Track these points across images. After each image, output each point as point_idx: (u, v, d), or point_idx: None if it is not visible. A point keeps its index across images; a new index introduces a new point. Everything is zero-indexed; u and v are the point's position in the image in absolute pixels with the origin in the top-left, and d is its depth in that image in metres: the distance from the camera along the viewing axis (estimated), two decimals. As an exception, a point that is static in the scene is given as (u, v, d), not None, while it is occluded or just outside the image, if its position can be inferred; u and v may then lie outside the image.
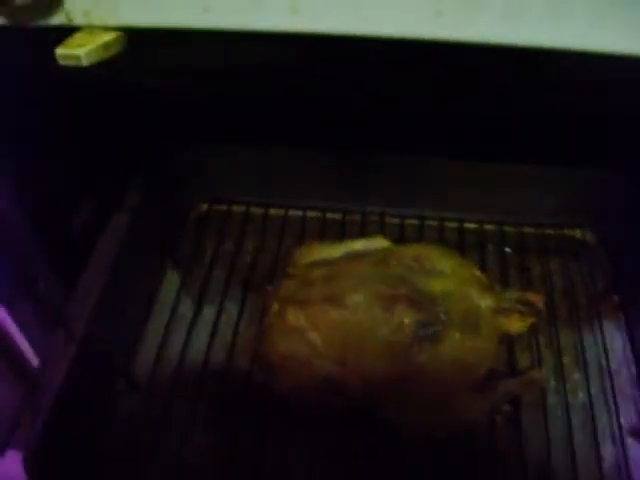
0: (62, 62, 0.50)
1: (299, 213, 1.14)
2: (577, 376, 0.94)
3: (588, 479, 0.83)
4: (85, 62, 0.50)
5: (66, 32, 0.52)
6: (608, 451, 0.86)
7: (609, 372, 0.93)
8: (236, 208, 1.15)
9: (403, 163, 1.05)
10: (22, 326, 0.84)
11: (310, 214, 1.14)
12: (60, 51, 0.50)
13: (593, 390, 0.92)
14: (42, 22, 0.52)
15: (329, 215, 1.13)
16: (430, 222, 1.12)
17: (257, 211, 1.14)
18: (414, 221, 1.12)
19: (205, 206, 1.16)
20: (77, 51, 0.49)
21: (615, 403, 0.90)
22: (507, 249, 1.10)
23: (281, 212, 1.14)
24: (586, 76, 0.67)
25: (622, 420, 0.89)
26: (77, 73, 0.52)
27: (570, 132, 0.94)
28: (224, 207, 1.15)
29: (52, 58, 0.51)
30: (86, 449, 0.85)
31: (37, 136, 0.83)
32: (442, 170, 1.07)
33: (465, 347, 0.81)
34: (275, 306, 0.86)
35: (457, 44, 0.49)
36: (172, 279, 1.06)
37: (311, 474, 0.84)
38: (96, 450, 0.85)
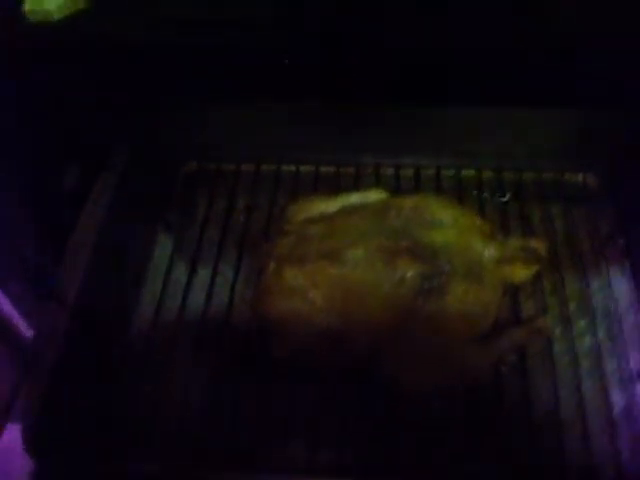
0: (32, 18, 0.47)
1: (292, 168, 1.11)
2: (583, 322, 0.92)
3: (598, 425, 0.82)
4: (56, 16, 0.47)
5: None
6: (617, 396, 0.86)
7: (616, 317, 0.92)
8: (226, 166, 1.12)
9: (397, 112, 1.02)
10: (14, 298, 0.83)
11: (303, 168, 1.10)
12: (29, 7, 0.46)
13: (600, 336, 0.90)
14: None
15: (322, 169, 1.10)
16: (426, 171, 1.09)
17: (248, 168, 1.11)
18: (410, 170, 1.09)
19: (194, 164, 1.13)
20: (47, 6, 0.46)
21: (623, 348, 0.89)
22: (506, 197, 1.07)
23: (273, 167, 1.11)
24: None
25: (631, 364, 0.88)
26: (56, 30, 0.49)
27: (566, 72, 0.91)
28: (213, 165, 1.12)
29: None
30: (84, 418, 0.83)
31: (19, 103, 0.80)
32: (438, 117, 1.03)
33: (469, 298, 0.80)
34: (272, 265, 0.84)
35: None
36: (164, 242, 1.03)
37: (314, 428, 0.83)
38: (95, 419, 0.83)
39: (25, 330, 0.85)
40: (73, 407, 0.82)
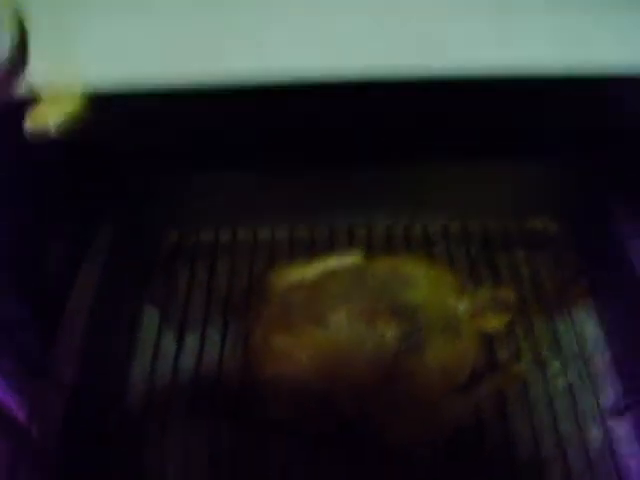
0: (32, 133, 0.51)
1: (267, 234, 1.15)
2: (556, 364, 0.97)
3: (577, 463, 0.87)
4: (55, 131, 0.51)
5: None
6: (593, 434, 0.90)
7: (585, 357, 0.97)
8: (204, 235, 1.16)
9: (367, 173, 1.07)
10: (6, 379, 0.85)
11: (278, 233, 1.15)
12: (30, 124, 0.51)
13: (572, 376, 0.95)
14: (6, 93, 0.52)
15: (297, 233, 1.15)
16: (396, 230, 1.14)
17: (225, 236, 1.15)
18: (381, 230, 1.14)
19: (175, 236, 1.17)
20: (46, 123, 0.51)
21: (594, 387, 0.94)
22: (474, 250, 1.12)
23: (249, 235, 1.15)
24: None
25: (602, 401, 0.92)
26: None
27: (527, 127, 0.98)
28: (192, 237, 1.16)
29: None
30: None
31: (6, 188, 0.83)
32: (404, 175, 1.08)
33: (448, 351, 0.84)
34: (259, 332, 0.88)
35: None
36: (151, 313, 1.06)
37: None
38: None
39: (17, 408, 0.86)
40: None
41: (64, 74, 0.52)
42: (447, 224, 1.15)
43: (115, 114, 0.60)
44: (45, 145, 0.80)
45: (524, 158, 1.06)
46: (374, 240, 1.13)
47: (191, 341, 1.01)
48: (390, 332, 0.83)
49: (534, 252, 1.12)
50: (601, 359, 0.98)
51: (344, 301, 0.86)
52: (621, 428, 0.91)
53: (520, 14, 0.48)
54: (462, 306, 0.88)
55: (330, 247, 1.09)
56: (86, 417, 0.88)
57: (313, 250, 1.09)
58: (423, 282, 0.90)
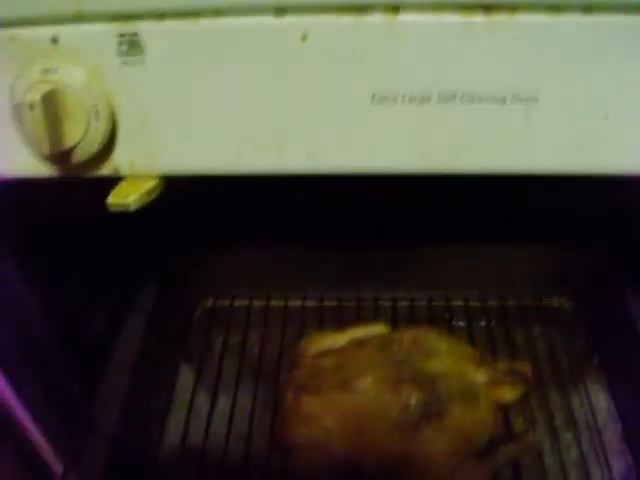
0: (112, 209, 0.59)
1: (298, 303, 1.22)
2: (569, 435, 1.02)
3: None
4: (133, 208, 0.59)
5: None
6: (604, 504, 0.94)
7: (597, 429, 1.02)
8: (238, 302, 1.23)
9: (392, 251, 1.15)
10: (47, 432, 0.90)
11: (308, 303, 1.22)
12: (111, 200, 0.58)
13: (584, 447, 0.99)
14: (92, 174, 0.61)
15: (326, 303, 1.21)
16: (419, 303, 1.21)
17: (259, 303, 1.23)
18: (405, 303, 1.21)
19: (210, 302, 1.24)
20: (126, 200, 0.58)
21: (605, 458, 0.98)
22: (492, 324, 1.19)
23: (281, 303, 1.22)
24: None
25: (614, 473, 0.96)
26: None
27: (544, 212, 1.05)
28: (227, 302, 1.23)
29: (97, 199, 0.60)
30: None
31: (60, 248, 0.91)
32: (427, 253, 1.16)
33: (466, 420, 0.89)
34: (290, 395, 0.94)
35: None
36: (186, 373, 1.13)
37: None
38: None
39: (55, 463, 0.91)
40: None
41: (144, 160, 0.60)
42: (468, 300, 1.21)
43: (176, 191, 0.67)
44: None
45: (542, 240, 1.13)
46: (398, 313, 1.19)
47: (223, 401, 1.07)
48: (413, 399, 0.88)
49: (550, 329, 1.17)
50: (613, 431, 1.03)
51: (370, 368, 0.92)
52: (631, 499, 0.95)
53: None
54: (480, 377, 0.93)
55: (357, 318, 1.15)
56: (122, 471, 0.93)
57: (341, 320, 1.15)
58: (444, 353, 0.95)
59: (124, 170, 0.61)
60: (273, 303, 1.22)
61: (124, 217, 1.00)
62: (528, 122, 0.55)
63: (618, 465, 0.98)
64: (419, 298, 1.21)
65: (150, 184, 0.61)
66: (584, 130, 0.56)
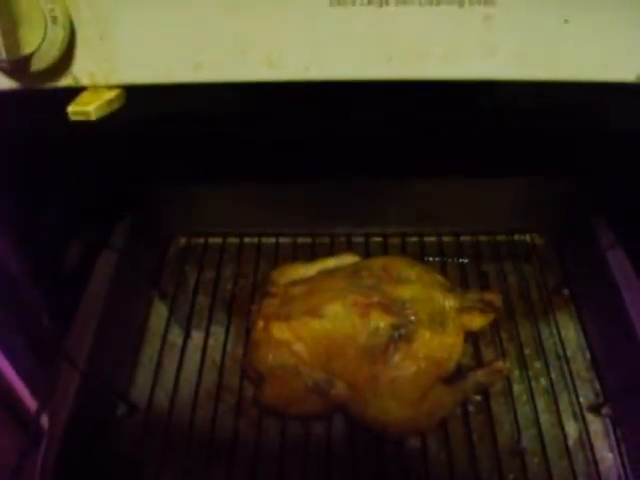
0: (73, 118, 0.58)
1: (272, 240, 1.22)
2: (538, 364, 1.03)
3: (556, 455, 0.92)
4: (94, 117, 0.58)
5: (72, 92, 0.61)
6: (571, 428, 0.96)
7: (566, 358, 1.03)
8: (212, 240, 1.23)
9: (364, 185, 1.15)
10: (20, 367, 0.90)
11: (282, 240, 1.22)
12: (72, 108, 0.58)
13: (553, 376, 1.01)
14: (52, 84, 0.60)
15: (300, 240, 1.22)
16: (392, 239, 1.21)
17: (232, 241, 1.23)
18: (378, 239, 1.21)
19: (184, 240, 1.24)
20: (87, 108, 0.58)
21: (574, 385, 1.00)
22: (465, 260, 1.20)
23: (255, 240, 1.22)
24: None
25: (581, 399, 0.98)
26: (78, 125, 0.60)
27: (513, 147, 1.06)
28: (201, 240, 1.23)
29: (59, 114, 0.59)
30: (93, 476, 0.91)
31: (30, 185, 0.90)
32: (399, 190, 1.16)
33: (434, 344, 0.90)
34: (260, 323, 0.94)
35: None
36: (159, 309, 1.13)
37: (305, 467, 0.92)
38: (103, 477, 0.92)
39: (29, 397, 0.91)
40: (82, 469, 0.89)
41: (104, 70, 0.59)
42: (441, 236, 1.22)
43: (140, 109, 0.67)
44: (76, 141, 0.89)
45: (512, 175, 1.14)
46: (371, 249, 1.20)
47: (196, 335, 1.08)
48: (381, 323, 0.89)
49: (522, 263, 1.19)
50: (581, 361, 1.05)
51: (340, 294, 0.93)
52: (598, 423, 0.97)
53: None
54: (450, 303, 0.94)
55: (330, 254, 1.15)
56: (93, 406, 0.94)
57: (315, 257, 1.14)
58: (414, 280, 0.96)
59: (84, 80, 0.60)
60: (247, 241, 1.23)
61: (97, 151, 1.01)
62: (487, 25, 0.55)
63: (586, 392, 1.00)
64: (392, 234, 1.21)
65: (111, 94, 0.60)
66: (544, 34, 0.56)
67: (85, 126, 0.64)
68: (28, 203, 0.90)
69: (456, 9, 0.55)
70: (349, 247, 1.19)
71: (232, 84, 0.60)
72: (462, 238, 1.22)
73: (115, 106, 0.61)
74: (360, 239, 1.21)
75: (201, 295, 1.14)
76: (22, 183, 0.88)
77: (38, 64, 0.57)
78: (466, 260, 1.19)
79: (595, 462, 0.91)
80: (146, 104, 0.71)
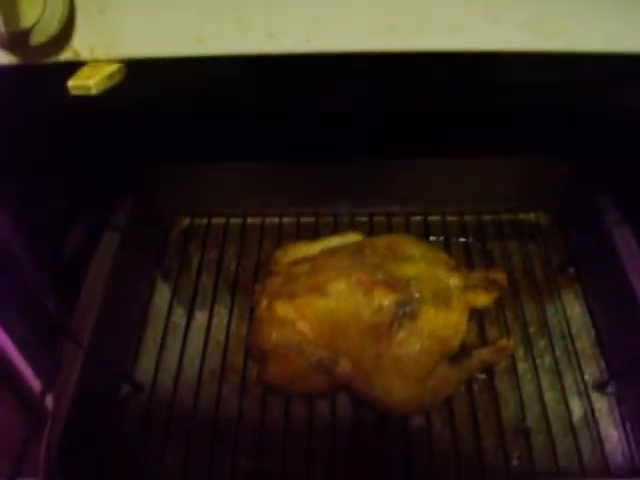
0: (74, 92, 0.57)
1: (275, 220, 1.22)
2: (543, 343, 1.03)
3: (560, 432, 0.92)
4: (94, 91, 0.57)
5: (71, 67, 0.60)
6: (576, 405, 0.95)
7: (571, 337, 1.03)
8: (216, 220, 1.23)
9: (368, 165, 1.14)
10: (24, 349, 0.90)
11: (285, 220, 1.22)
12: (72, 83, 0.57)
13: (558, 353, 1.01)
14: (52, 59, 0.59)
15: (303, 219, 1.21)
16: (396, 218, 1.21)
17: (236, 221, 1.22)
18: (382, 218, 1.21)
19: (187, 220, 1.24)
20: (87, 82, 0.57)
21: (578, 363, 0.99)
22: (469, 239, 1.19)
23: (258, 220, 1.22)
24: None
25: (586, 377, 0.98)
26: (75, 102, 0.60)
27: (521, 127, 1.05)
28: (205, 220, 1.23)
29: (60, 89, 0.58)
30: (96, 457, 0.90)
31: (31, 168, 0.90)
32: (404, 168, 1.15)
33: (439, 321, 0.90)
34: (264, 302, 0.94)
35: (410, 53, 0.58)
36: (163, 289, 1.13)
37: (310, 446, 0.91)
38: (107, 457, 0.91)
39: (33, 378, 0.91)
40: (87, 448, 0.89)
41: (104, 44, 0.59)
42: (445, 216, 1.22)
43: (142, 85, 0.66)
44: (75, 118, 0.89)
45: (517, 154, 1.13)
46: (375, 228, 1.19)
47: (200, 316, 1.08)
48: (385, 301, 0.89)
49: (526, 242, 1.18)
50: (586, 338, 1.04)
51: (344, 273, 0.92)
52: (603, 401, 0.96)
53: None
54: (454, 280, 0.94)
55: (334, 233, 1.15)
56: (98, 386, 0.94)
57: (318, 236, 1.14)
58: (418, 258, 0.96)
59: (84, 55, 0.59)
60: (250, 221, 1.22)
61: (98, 133, 1.01)
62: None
63: (590, 370, 1.00)
64: (396, 213, 1.21)
65: (112, 68, 0.60)
66: (550, 3, 0.55)
67: (85, 106, 0.64)
68: (29, 186, 0.90)
69: (459, -22, 0.54)
70: (352, 226, 1.18)
71: (233, 59, 0.59)
72: (466, 217, 1.22)
73: (116, 80, 0.60)
74: (364, 218, 1.21)
75: (204, 275, 1.14)
76: (22, 166, 0.87)
77: (38, 38, 0.57)
78: (470, 239, 1.18)
79: (600, 440, 0.91)
80: (147, 82, 0.71)
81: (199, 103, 0.99)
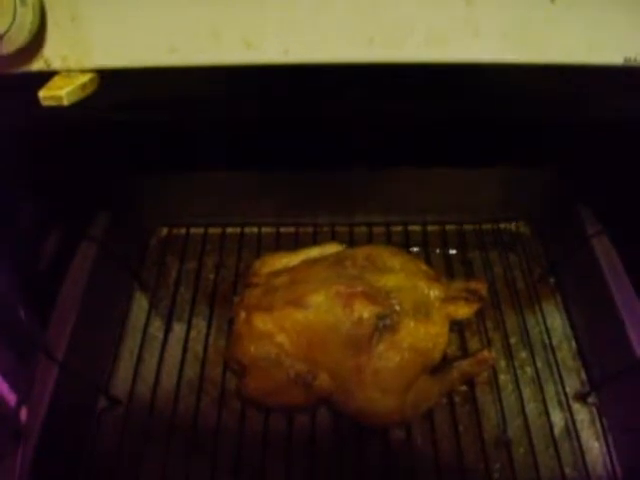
0: (45, 103, 0.56)
1: (254, 230, 1.20)
2: (524, 354, 1.03)
3: (542, 444, 0.92)
4: (66, 102, 0.56)
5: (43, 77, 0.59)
6: (557, 417, 0.95)
7: (552, 348, 1.02)
8: (194, 230, 1.21)
9: (349, 174, 1.12)
10: None
11: (265, 230, 1.20)
12: (43, 93, 0.56)
13: (539, 365, 1.01)
14: (23, 68, 0.58)
15: (283, 229, 1.20)
16: (377, 228, 1.20)
17: (215, 231, 1.21)
18: (363, 228, 1.20)
19: (165, 230, 1.22)
20: (59, 92, 0.56)
21: (560, 374, 0.99)
22: (450, 249, 1.19)
23: (237, 230, 1.20)
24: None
25: (567, 388, 0.97)
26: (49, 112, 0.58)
27: (501, 138, 1.04)
28: (183, 230, 1.21)
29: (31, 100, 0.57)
30: (72, 471, 0.89)
31: (4, 179, 0.88)
32: (385, 178, 1.14)
33: (419, 333, 0.89)
34: (242, 314, 0.93)
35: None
36: (140, 301, 1.11)
37: (289, 459, 0.91)
38: (82, 469, 0.90)
39: (8, 393, 0.90)
40: (62, 461, 0.88)
41: (76, 54, 0.58)
42: (426, 225, 1.21)
43: (116, 93, 0.65)
44: (48, 131, 0.87)
45: (497, 164, 1.13)
46: (355, 238, 1.18)
47: (178, 328, 1.06)
48: (365, 313, 0.88)
49: (507, 252, 1.18)
50: (567, 349, 1.04)
51: (323, 284, 0.91)
52: (584, 412, 0.96)
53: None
54: (434, 292, 0.93)
55: (314, 244, 1.13)
56: (73, 399, 0.92)
57: (298, 246, 1.13)
58: (398, 269, 0.95)
59: (56, 64, 0.58)
60: (229, 230, 1.21)
61: (76, 142, 0.99)
62: (471, 5, 0.54)
63: (572, 381, 1.00)
64: (376, 223, 1.20)
65: (84, 78, 0.59)
66: (529, 15, 0.55)
67: (59, 116, 0.63)
68: (2, 198, 0.88)
69: (439, -10, 0.54)
70: (333, 237, 1.17)
71: (212, 69, 0.58)
72: (447, 227, 1.21)
73: (88, 91, 0.59)
74: (344, 228, 1.20)
75: (183, 286, 1.13)
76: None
77: (8, 47, 0.56)
78: (451, 249, 1.18)
79: (581, 451, 0.91)
80: (123, 90, 0.70)
81: (178, 110, 0.98)
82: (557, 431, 0.94)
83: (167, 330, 1.06)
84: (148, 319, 1.08)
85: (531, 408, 0.96)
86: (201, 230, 1.21)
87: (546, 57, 0.57)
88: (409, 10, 0.54)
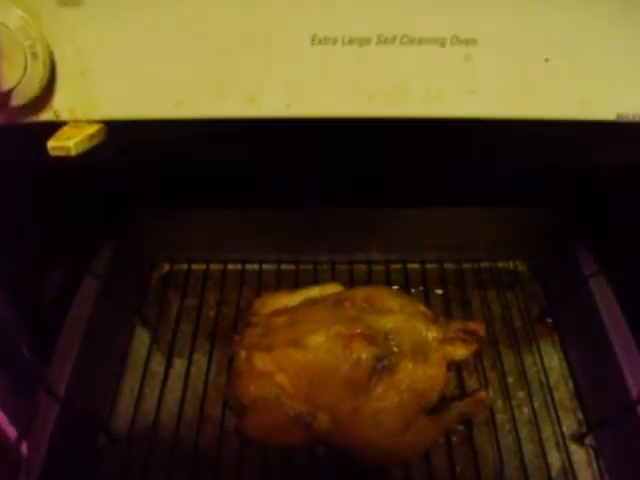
0: (54, 153, 0.58)
1: (255, 267, 1.22)
2: (521, 394, 1.03)
3: (539, 484, 0.93)
4: (74, 152, 0.58)
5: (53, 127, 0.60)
6: (554, 457, 0.96)
7: (549, 387, 1.03)
8: (196, 266, 1.22)
9: (349, 212, 1.14)
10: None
11: (266, 267, 1.22)
12: (52, 144, 0.57)
13: (536, 405, 1.01)
14: (33, 119, 0.60)
15: (283, 266, 1.21)
16: (376, 266, 1.21)
17: (216, 267, 1.22)
18: (362, 266, 1.21)
19: (167, 266, 1.24)
20: (67, 143, 0.57)
21: (557, 414, 1.00)
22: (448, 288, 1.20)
23: (238, 267, 1.22)
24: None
25: (564, 429, 0.98)
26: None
27: (497, 176, 1.06)
28: (185, 266, 1.22)
29: (39, 149, 0.59)
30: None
31: (8, 214, 0.89)
32: (385, 217, 1.16)
33: (417, 375, 0.89)
34: (243, 353, 0.94)
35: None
36: (142, 336, 1.12)
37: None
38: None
39: (8, 425, 0.90)
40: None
41: (84, 106, 0.59)
42: (424, 264, 1.22)
43: (123, 144, 0.67)
44: (55, 171, 0.88)
45: (496, 203, 1.14)
46: (355, 276, 1.20)
47: (178, 364, 1.07)
48: (364, 354, 0.89)
49: (505, 291, 1.19)
50: (564, 390, 1.05)
51: (322, 325, 0.92)
52: (581, 453, 0.97)
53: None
54: (432, 333, 0.94)
55: (314, 281, 1.15)
56: (73, 436, 0.92)
57: (298, 284, 1.15)
58: (397, 310, 0.96)
59: (64, 115, 0.60)
60: (230, 267, 1.22)
61: (79, 180, 1.01)
62: (469, 64, 0.55)
63: (569, 422, 1.01)
64: (376, 261, 1.21)
65: (92, 129, 0.60)
66: (525, 72, 0.56)
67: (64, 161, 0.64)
68: (4, 233, 0.90)
69: (437, 49, 0.55)
70: (333, 274, 1.19)
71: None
72: (446, 265, 1.22)
73: (96, 141, 0.61)
74: (344, 266, 1.21)
75: (184, 322, 1.13)
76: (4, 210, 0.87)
77: (18, 99, 0.57)
78: (449, 288, 1.19)
79: (578, 492, 0.91)
80: (124, 136, 0.72)
81: (181, 152, 0.99)
82: (554, 472, 0.94)
83: (168, 366, 1.07)
84: (149, 355, 1.08)
85: (528, 448, 0.96)
86: (202, 266, 1.22)
87: (540, 112, 0.59)
88: (408, 69, 0.56)
